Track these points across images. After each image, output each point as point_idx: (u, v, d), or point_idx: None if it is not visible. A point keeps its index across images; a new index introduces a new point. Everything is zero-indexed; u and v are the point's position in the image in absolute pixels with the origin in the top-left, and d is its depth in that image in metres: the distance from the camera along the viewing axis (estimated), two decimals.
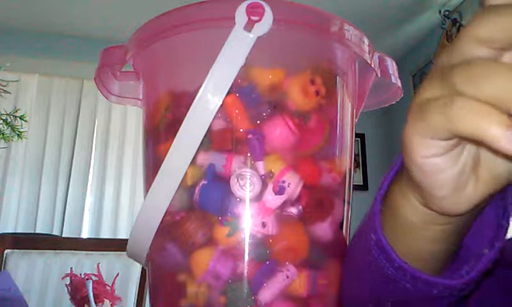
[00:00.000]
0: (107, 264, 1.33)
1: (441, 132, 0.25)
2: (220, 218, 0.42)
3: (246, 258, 0.41)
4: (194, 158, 0.41)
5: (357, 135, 3.10)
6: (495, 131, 0.22)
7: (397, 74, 0.51)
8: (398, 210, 0.33)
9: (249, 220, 0.42)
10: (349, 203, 0.47)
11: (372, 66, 0.48)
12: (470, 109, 0.23)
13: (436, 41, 2.69)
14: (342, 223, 0.46)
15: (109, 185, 2.95)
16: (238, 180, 0.42)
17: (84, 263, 1.39)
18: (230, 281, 0.41)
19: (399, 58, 3.04)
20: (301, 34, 0.44)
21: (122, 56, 0.48)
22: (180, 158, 0.40)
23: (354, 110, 0.50)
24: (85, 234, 2.89)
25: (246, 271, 0.41)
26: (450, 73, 0.25)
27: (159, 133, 0.47)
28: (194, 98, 0.40)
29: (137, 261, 0.46)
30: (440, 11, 2.64)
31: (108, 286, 1.07)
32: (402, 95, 0.52)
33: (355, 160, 3.02)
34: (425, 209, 0.31)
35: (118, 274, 1.12)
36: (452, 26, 2.56)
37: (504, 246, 0.48)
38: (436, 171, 0.27)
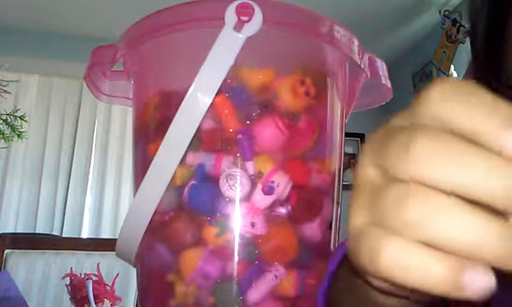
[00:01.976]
0: (107, 264, 1.32)
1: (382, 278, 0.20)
2: (209, 218, 0.42)
3: (235, 258, 0.42)
4: (184, 158, 0.41)
5: (357, 135, 3.10)
6: (451, 280, 0.18)
7: (387, 75, 0.51)
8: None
9: (239, 220, 0.42)
10: (338, 203, 0.47)
11: (362, 67, 0.48)
12: (405, 256, 0.18)
13: (436, 41, 2.69)
14: (331, 223, 0.46)
15: (109, 185, 2.95)
16: (227, 180, 0.42)
17: (84, 263, 1.39)
18: (218, 281, 0.41)
19: (399, 58, 3.03)
20: (291, 34, 0.44)
21: (112, 55, 0.48)
22: (170, 158, 0.40)
23: (344, 111, 0.50)
24: (85, 234, 2.89)
25: (234, 271, 0.41)
26: (382, 195, 0.20)
27: (148, 132, 0.47)
28: (183, 98, 0.40)
29: (126, 261, 0.46)
30: (440, 11, 2.64)
31: (108, 286, 1.07)
32: (392, 96, 0.52)
33: (355, 159, 3.01)
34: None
35: (118, 274, 1.12)
36: (452, 26, 2.55)
37: None
38: (404, 287, 0.21)
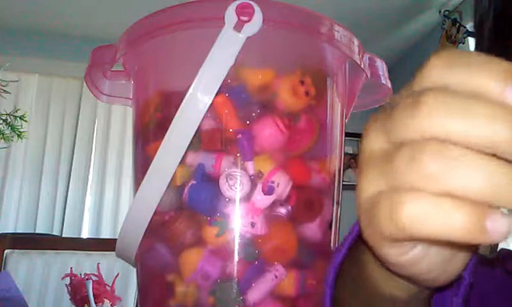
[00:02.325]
0: (107, 264, 1.33)
1: (399, 239, 0.20)
2: (209, 218, 0.42)
3: (235, 258, 0.42)
4: (184, 157, 0.41)
5: (357, 135, 3.10)
6: (474, 226, 0.18)
7: (387, 75, 0.51)
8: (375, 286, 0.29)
9: (238, 220, 0.42)
10: (338, 203, 0.48)
11: (362, 67, 0.48)
12: (426, 208, 0.18)
13: (436, 41, 2.69)
14: (331, 223, 0.46)
15: (109, 185, 2.95)
16: (227, 180, 0.42)
17: (84, 263, 1.40)
18: (218, 281, 0.41)
19: (398, 58, 3.03)
20: (291, 34, 0.44)
21: (112, 55, 0.48)
22: (170, 158, 0.40)
23: (344, 111, 0.50)
24: (85, 234, 2.90)
25: (234, 271, 0.41)
26: (393, 158, 0.20)
27: (149, 132, 0.47)
28: (183, 98, 0.40)
29: (126, 261, 0.46)
30: (440, 11, 2.64)
31: (108, 286, 1.07)
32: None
33: (355, 159, 3.01)
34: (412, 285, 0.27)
35: (118, 274, 1.12)
36: (452, 26, 2.55)
37: (503, 254, 0.48)
38: (419, 261, 0.22)
